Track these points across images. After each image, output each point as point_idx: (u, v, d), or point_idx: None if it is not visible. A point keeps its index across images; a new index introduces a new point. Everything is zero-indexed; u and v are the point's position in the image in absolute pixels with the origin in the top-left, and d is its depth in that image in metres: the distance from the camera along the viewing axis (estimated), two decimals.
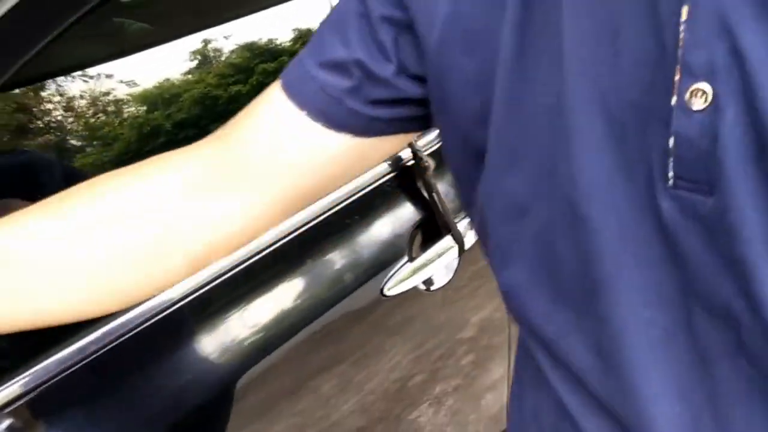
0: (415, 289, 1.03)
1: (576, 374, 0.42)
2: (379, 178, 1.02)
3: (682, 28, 0.30)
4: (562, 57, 0.36)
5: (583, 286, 0.38)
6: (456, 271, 1.10)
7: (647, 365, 0.37)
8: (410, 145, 1.02)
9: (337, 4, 0.48)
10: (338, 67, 0.46)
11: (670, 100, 0.31)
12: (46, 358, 0.70)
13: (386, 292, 1.00)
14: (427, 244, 1.06)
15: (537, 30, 0.37)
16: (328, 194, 0.52)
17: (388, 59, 0.45)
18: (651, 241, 0.34)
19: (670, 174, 0.32)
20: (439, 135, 0.49)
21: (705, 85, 0.30)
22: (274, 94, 0.47)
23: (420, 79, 0.46)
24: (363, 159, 0.50)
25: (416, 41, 0.44)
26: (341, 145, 0.47)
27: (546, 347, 0.44)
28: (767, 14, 0.28)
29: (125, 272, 0.45)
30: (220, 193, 0.47)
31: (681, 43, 0.30)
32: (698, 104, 0.30)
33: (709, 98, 0.30)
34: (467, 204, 0.49)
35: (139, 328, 0.75)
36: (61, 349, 0.71)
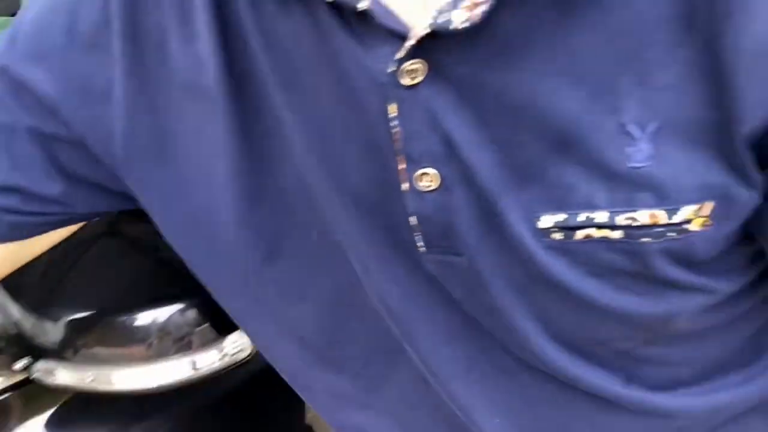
0: None
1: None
2: None
3: (395, 123, 0.31)
4: (289, 143, 0.36)
5: (396, 337, 0.40)
6: None
7: (467, 390, 0.40)
8: None
9: None
10: None
11: (400, 186, 0.33)
12: None
13: None
14: None
15: (252, 124, 0.36)
16: None
17: (50, 177, 0.39)
18: (426, 292, 0.37)
19: (420, 244, 0.35)
20: None
21: (431, 170, 0.32)
22: None
23: (97, 185, 0.41)
24: (40, 242, 0.44)
25: (86, 153, 0.39)
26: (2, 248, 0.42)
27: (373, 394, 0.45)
28: (466, 104, 0.30)
29: None
30: None
31: (397, 137, 0.31)
32: (428, 187, 0.32)
33: (438, 181, 0.32)
34: (232, 314, 0.46)
35: None
36: None
